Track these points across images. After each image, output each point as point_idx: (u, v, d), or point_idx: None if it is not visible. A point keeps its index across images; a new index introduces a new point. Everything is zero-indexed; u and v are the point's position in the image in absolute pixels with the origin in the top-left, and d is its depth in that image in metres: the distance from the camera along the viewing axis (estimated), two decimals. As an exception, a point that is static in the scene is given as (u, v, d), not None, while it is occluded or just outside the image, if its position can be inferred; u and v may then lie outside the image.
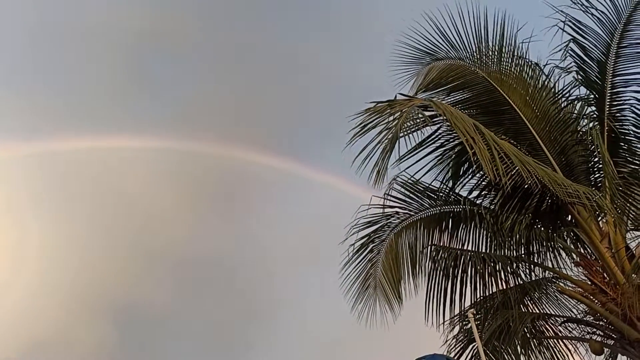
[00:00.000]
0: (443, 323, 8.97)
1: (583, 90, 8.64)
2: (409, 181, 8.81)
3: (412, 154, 8.08)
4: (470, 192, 7.99)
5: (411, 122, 6.98)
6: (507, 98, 8.69)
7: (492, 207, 8.25)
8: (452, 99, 9.17)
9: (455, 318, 8.95)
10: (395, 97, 6.67)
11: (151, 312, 17.17)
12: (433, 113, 7.19)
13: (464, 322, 8.88)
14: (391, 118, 6.46)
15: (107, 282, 17.21)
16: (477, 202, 8.49)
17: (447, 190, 8.61)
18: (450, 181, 8.47)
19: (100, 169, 16.95)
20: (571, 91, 8.71)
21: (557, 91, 8.73)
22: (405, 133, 7.01)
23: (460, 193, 8.60)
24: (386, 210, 8.97)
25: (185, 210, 18.25)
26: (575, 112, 8.68)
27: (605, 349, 7.94)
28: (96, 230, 17.39)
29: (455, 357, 8.93)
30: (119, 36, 17.31)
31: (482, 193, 8.29)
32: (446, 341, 9.07)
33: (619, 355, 8.16)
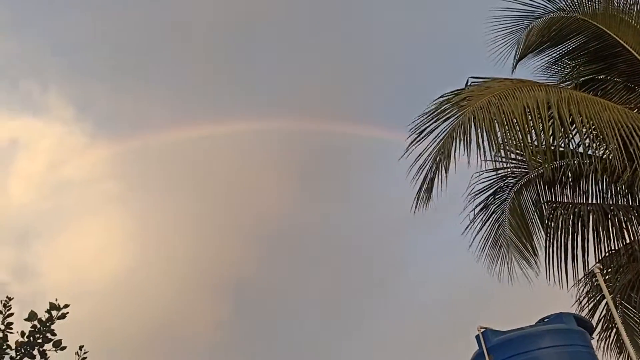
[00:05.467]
0: (577, 283, 8.75)
1: None
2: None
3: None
4: (577, 146, 7.64)
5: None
6: (618, 39, 8.21)
7: (605, 156, 7.83)
8: (559, 52, 8.89)
9: (585, 276, 8.67)
10: (467, 82, 6.69)
11: (262, 290, 18.30)
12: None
13: (593, 279, 8.56)
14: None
15: (222, 261, 18.52)
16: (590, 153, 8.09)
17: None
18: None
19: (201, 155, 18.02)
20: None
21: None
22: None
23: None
24: (499, 171, 8.93)
25: (291, 190, 18.94)
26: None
27: None
28: (206, 215, 18.69)
29: (587, 315, 8.66)
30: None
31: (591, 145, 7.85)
32: (578, 300, 8.86)
33: None
